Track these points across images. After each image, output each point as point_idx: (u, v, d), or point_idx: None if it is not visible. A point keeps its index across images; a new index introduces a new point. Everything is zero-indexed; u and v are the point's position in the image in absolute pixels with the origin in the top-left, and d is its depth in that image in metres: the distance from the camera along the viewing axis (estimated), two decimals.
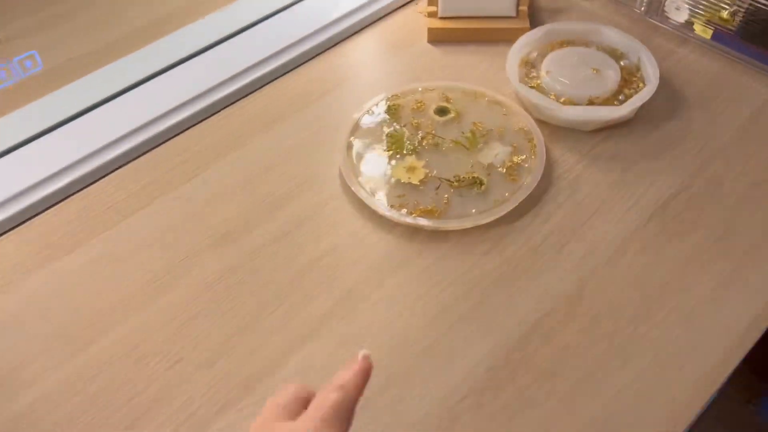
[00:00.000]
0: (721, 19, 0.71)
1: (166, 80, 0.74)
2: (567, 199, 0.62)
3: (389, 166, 0.64)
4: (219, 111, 0.72)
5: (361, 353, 0.37)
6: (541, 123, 0.69)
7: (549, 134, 0.68)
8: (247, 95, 0.74)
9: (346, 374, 0.36)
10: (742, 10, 0.70)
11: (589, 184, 0.63)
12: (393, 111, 0.69)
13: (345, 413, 0.34)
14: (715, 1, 0.72)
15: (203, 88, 0.72)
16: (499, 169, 0.64)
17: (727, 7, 0.71)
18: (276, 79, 0.75)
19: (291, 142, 0.69)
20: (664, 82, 0.72)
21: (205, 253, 0.60)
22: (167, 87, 0.73)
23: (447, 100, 0.70)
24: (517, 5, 0.77)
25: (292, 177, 0.65)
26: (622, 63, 0.71)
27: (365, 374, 0.36)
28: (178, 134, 0.70)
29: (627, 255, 0.58)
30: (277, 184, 0.65)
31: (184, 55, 0.77)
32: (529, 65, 0.72)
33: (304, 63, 0.77)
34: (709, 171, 0.63)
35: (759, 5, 0.68)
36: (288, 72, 0.76)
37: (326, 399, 0.34)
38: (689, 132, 0.67)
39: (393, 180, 0.63)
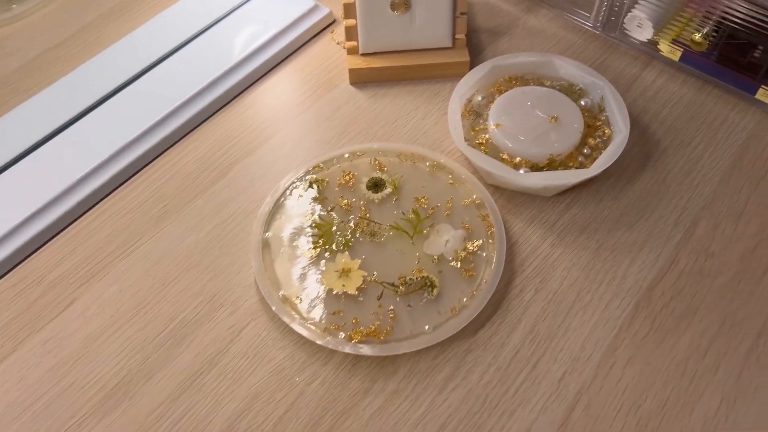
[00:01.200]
0: (693, 42, 0.61)
1: (18, 175, 0.58)
2: (535, 294, 0.51)
3: (318, 270, 0.52)
4: (93, 207, 0.57)
5: None
6: (495, 188, 0.57)
7: (505, 203, 0.56)
8: (125, 181, 0.59)
9: None
10: (715, 30, 0.59)
11: (559, 270, 0.53)
12: (316, 189, 0.56)
13: None
14: (685, 21, 0.61)
15: (69, 180, 0.56)
16: (452, 263, 0.52)
17: (699, 28, 0.60)
18: (160, 155, 0.60)
19: (189, 243, 0.55)
20: (632, 120, 0.61)
21: (92, 420, 0.46)
22: (21, 184, 0.57)
23: (381, 168, 0.58)
24: (453, 34, 0.64)
25: (196, 293, 0.52)
26: (582, 102, 0.59)
27: None
28: (43, 245, 0.55)
29: (615, 367, 0.48)
30: (178, 305, 0.52)
31: (36, 138, 0.60)
32: (474, 114, 0.60)
33: (195, 129, 0.62)
34: (696, 238, 0.54)
35: (736, 25, 0.58)
36: (175, 143, 0.61)
37: None
38: (667, 186, 0.57)
39: (324, 290, 0.51)
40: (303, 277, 0.51)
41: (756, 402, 0.46)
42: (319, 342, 0.48)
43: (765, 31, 0.56)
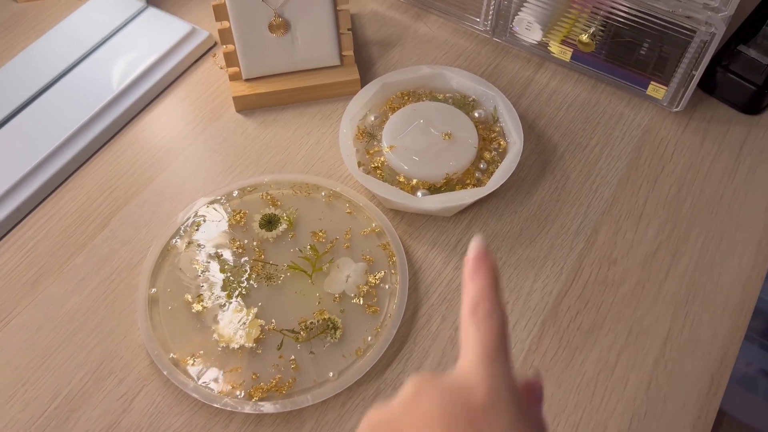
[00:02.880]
0: (580, 43, 0.60)
1: None
2: (442, 322, 0.50)
3: (211, 324, 0.49)
4: None
5: (472, 245, 0.27)
6: (394, 213, 0.55)
7: (406, 227, 0.54)
8: None
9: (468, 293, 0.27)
10: (602, 29, 0.59)
11: None
12: (204, 233, 0.53)
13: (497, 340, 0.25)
14: (571, 21, 0.60)
15: None
16: (354, 300, 0.50)
17: (586, 28, 0.59)
18: (32, 211, 0.55)
19: (71, 307, 0.50)
20: (528, 126, 0.60)
21: None
22: None
23: (274, 202, 0.55)
24: (341, 51, 0.61)
25: (81, 363, 0.48)
26: (476, 114, 0.58)
27: (487, 273, 0.27)
28: None
29: None
30: (62, 377, 0.47)
31: None
32: (368, 135, 0.57)
33: (69, 177, 0.57)
34: (598, 245, 0.53)
35: (621, 23, 0.57)
36: (48, 196, 0.56)
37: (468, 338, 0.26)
38: (567, 193, 0.56)
39: (219, 347, 0.48)
40: (195, 333, 0.48)
41: (666, 412, 0.46)
42: (216, 405, 0.45)
43: (649, 28, 0.56)
